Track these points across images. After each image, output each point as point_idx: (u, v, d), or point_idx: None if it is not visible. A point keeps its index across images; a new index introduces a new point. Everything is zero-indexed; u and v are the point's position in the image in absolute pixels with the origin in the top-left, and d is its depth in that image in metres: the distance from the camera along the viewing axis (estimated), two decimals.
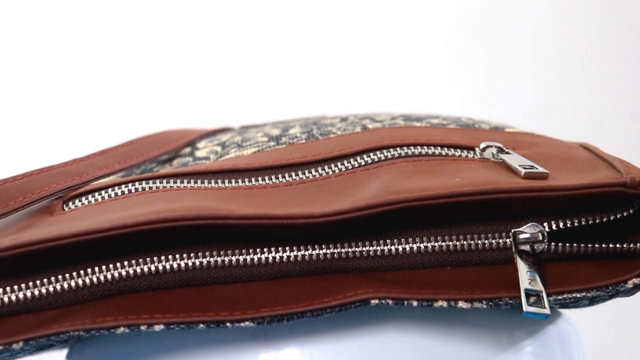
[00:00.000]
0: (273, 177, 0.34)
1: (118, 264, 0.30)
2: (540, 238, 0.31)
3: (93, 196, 0.34)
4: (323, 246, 0.31)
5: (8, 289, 0.30)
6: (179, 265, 0.31)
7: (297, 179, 0.34)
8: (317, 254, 0.31)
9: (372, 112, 0.43)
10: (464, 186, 0.30)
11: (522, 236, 0.31)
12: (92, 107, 0.73)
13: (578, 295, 0.31)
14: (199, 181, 0.34)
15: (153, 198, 0.32)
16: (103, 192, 0.34)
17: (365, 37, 0.76)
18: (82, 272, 0.30)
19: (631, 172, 0.31)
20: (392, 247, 0.31)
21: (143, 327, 0.29)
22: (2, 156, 0.71)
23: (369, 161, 0.35)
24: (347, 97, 0.75)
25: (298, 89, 0.75)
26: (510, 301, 0.30)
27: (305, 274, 0.31)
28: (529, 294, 0.30)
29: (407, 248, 0.31)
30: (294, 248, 0.31)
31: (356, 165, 0.35)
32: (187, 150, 0.41)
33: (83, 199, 0.34)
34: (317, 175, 0.34)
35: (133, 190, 0.33)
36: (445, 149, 0.35)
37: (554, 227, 0.31)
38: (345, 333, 0.31)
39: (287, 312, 0.29)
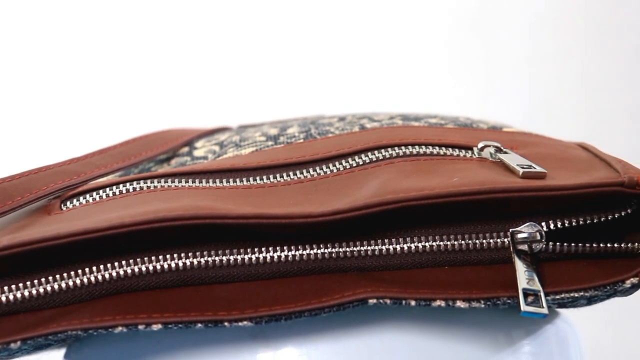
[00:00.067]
0: (271, 176, 0.34)
1: (116, 264, 0.30)
2: (538, 238, 0.31)
3: (91, 195, 0.34)
4: (321, 246, 0.31)
5: (6, 288, 0.30)
6: (177, 264, 0.31)
7: (295, 178, 0.34)
8: (315, 253, 0.31)
9: (370, 111, 0.43)
10: (462, 186, 0.30)
11: (520, 236, 0.31)
12: (90, 107, 0.73)
13: (576, 294, 0.31)
14: (197, 181, 0.34)
15: (151, 197, 0.32)
16: (101, 191, 0.34)
17: (363, 37, 0.76)
18: (80, 271, 0.30)
19: (629, 172, 0.31)
20: (390, 247, 0.31)
21: (141, 327, 0.29)
22: (0, 156, 0.71)
23: (367, 161, 0.35)
24: (346, 96, 0.75)
25: (296, 88, 0.75)
26: (508, 301, 0.30)
27: (303, 273, 0.31)
28: (526, 293, 0.30)
29: (405, 247, 0.31)
30: (292, 247, 0.31)
31: (354, 164, 0.35)
32: (185, 149, 0.41)
33: (81, 198, 0.34)
34: (315, 175, 0.34)
35: (131, 190, 0.33)
36: (444, 148, 0.35)
37: (552, 226, 0.31)
38: (343, 333, 0.31)
39: (285, 311, 0.29)
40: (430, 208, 0.30)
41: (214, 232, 0.31)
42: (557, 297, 0.31)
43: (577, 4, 0.77)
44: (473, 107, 0.73)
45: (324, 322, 0.31)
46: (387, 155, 0.35)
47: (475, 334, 0.32)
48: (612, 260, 0.32)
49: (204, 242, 0.31)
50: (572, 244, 0.31)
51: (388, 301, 0.30)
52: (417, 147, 0.35)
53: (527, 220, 0.31)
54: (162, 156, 0.41)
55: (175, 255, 0.31)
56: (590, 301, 0.33)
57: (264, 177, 0.34)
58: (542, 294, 0.30)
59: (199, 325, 0.29)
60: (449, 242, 0.31)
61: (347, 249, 0.31)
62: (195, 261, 0.31)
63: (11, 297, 0.30)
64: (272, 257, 0.31)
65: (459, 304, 0.30)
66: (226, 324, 0.29)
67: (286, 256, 0.31)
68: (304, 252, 0.31)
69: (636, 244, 0.32)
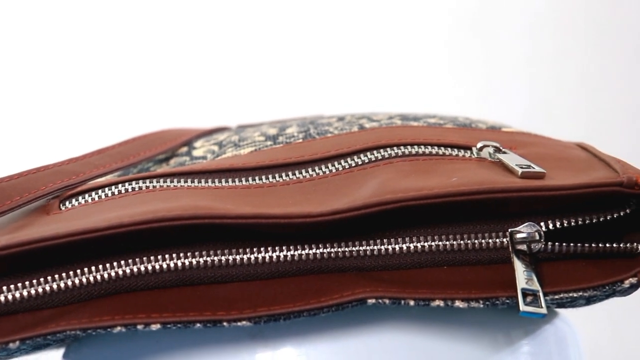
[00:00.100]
0: (270, 176, 0.34)
1: (115, 263, 0.30)
2: (537, 237, 0.31)
3: (90, 195, 0.34)
4: (320, 245, 0.31)
5: (4, 288, 0.30)
6: (175, 264, 0.31)
7: (294, 178, 0.34)
8: (314, 253, 0.31)
9: (369, 111, 0.43)
10: (461, 186, 0.30)
11: (519, 236, 0.31)
12: (88, 107, 0.73)
13: (575, 294, 0.31)
14: (195, 180, 0.34)
15: (150, 197, 0.32)
16: (100, 191, 0.34)
17: (362, 37, 0.76)
18: (78, 271, 0.30)
19: (628, 172, 0.31)
20: (389, 247, 0.31)
21: (140, 327, 0.29)
22: None
23: (366, 160, 0.35)
24: (345, 96, 0.75)
25: (295, 88, 0.75)
26: (507, 301, 0.30)
27: (302, 273, 0.31)
28: (525, 293, 0.30)
29: (404, 247, 0.31)
30: (291, 247, 0.31)
31: (353, 164, 0.35)
32: (184, 149, 0.41)
33: (80, 198, 0.34)
34: (314, 175, 0.34)
35: (130, 190, 0.33)
36: (442, 148, 0.35)
37: (550, 226, 0.31)
38: (342, 332, 0.31)
39: (284, 311, 0.29)
40: (429, 208, 0.30)
41: (213, 232, 0.31)
42: (556, 297, 0.31)
43: (577, 4, 0.77)
44: (472, 107, 0.73)
45: (323, 322, 0.31)
46: (386, 155, 0.35)
47: (474, 334, 0.32)
48: (611, 260, 0.32)
49: (202, 242, 0.31)
50: (571, 244, 0.31)
51: (387, 301, 0.30)
52: (416, 147, 0.35)
53: (526, 220, 0.31)
54: (161, 156, 0.41)
55: (174, 255, 0.31)
56: (589, 301, 0.33)
57: (263, 177, 0.34)
58: (541, 294, 0.30)
59: (198, 325, 0.29)
60: (447, 242, 0.31)
61: (346, 249, 0.31)
62: (194, 261, 0.31)
63: (10, 297, 0.30)
64: (270, 257, 0.31)
65: (458, 303, 0.30)
66: (225, 324, 0.29)
67: (285, 256, 0.31)
68: (303, 252, 0.31)
69: (635, 244, 0.32)
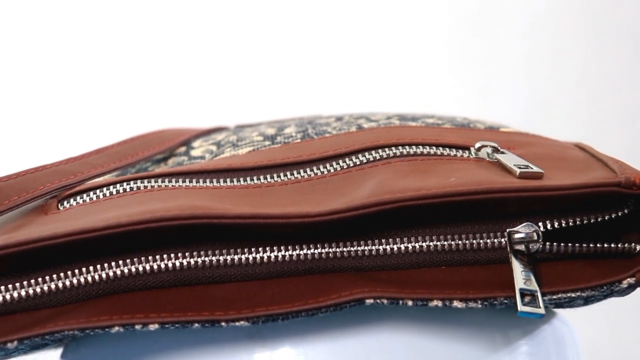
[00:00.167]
0: (268, 176, 0.34)
1: (113, 263, 0.30)
2: (535, 238, 0.31)
3: (88, 195, 0.34)
4: (318, 246, 0.31)
5: (2, 288, 0.30)
6: (173, 264, 0.31)
7: (292, 178, 0.34)
8: (312, 253, 0.31)
9: (368, 111, 0.43)
10: (459, 186, 0.30)
11: (517, 236, 0.31)
12: (87, 107, 0.73)
13: (573, 295, 0.31)
14: (194, 180, 0.34)
15: (148, 197, 0.32)
16: (98, 191, 0.34)
17: (360, 37, 0.76)
18: (76, 271, 0.30)
19: (626, 172, 0.31)
20: (387, 247, 0.31)
21: (138, 327, 0.29)
22: None
23: (364, 161, 0.35)
24: (343, 96, 0.75)
25: (294, 88, 0.75)
26: (505, 301, 0.30)
27: (300, 273, 0.31)
28: (523, 293, 0.30)
29: (402, 247, 0.31)
30: (289, 247, 0.31)
31: (351, 164, 0.35)
32: (182, 149, 0.41)
33: (78, 198, 0.34)
34: (313, 175, 0.34)
35: (128, 190, 0.33)
36: (441, 148, 0.35)
37: (548, 226, 0.31)
38: (340, 332, 0.31)
39: (282, 311, 0.29)
40: (427, 208, 0.30)
41: (211, 232, 0.31)
42: (554, 297, 0.31)
43: (576, 5, 0.77)
44: (470, 107, 0.74)
45: (321, 322, 0.31)
46: (384, 155, 0.35)
47: (473, 334, 0.32)
48: (609, 261, 0.32)
49: (201, 242, 0.31)
50: (569, 244, 0.31)
51: (385, 301, 0.30)
52: (414, 147, 0.35)
53: (524, 221, 0.31)
54: (159, 156, 0.41)
55: (172, 255, 0.31)
56: (587, 301, 0.33)
57: (261, 177, 0.34)
58: (539, 294, 0.30)
59: (196, 325, 0.29)
60: (446, 242, 0.31)
61: (344, 249, 0.31)
62: (192, 261, 0.31)
63: (8, 296, 0.30)
64: (269, 257, 0.31)
65: (456, 304, 0.30)
66: (223, 324, 0.29)
67: (283, 256, 0.31)
68: (301, 252, 0.31)
69: (633, 244, 0.32)
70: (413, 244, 0.31)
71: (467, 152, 0.35)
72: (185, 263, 0.31)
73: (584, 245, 0.31)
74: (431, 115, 0.41)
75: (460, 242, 0.31)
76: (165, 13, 0.74)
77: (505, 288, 0.30)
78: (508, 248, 0.31)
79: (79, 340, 0.33)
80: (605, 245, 0.32)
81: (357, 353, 0.31)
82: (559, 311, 0.35)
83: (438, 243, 0.31)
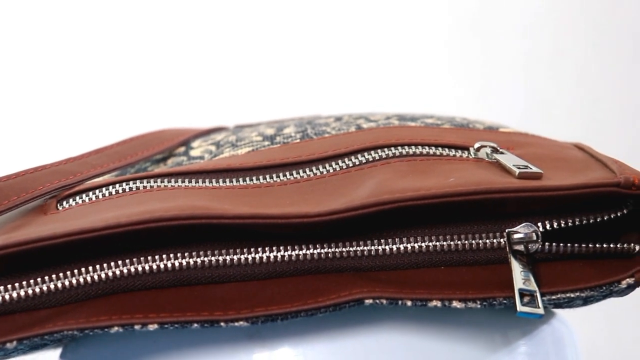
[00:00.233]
0: (267, 176, 0.34)
1: (112, 264, 0.30)
2: (534, 238, 0.31)
3: (87, 195, 0.34)
4: (317, 246, 0.31)
5: (2, 288, 0.30)
6: (173, 264, 0.31)
7: (292, 178, 0.34)
8: (311, 253, 0.31)
9: (367, 111, 0.43)
10: (458, 186, 0.30)
11: (516, 236, 0.31)
12: (86, 107, 0.73)
13: (572, 295, 0.31)
14: (193, 180, 0.34)
15: (147, 197, 0.32)
16: (97, 191, 0.34)
17: (360, 37, 0.76)
18: (76, 271, 0.30)
19: (625, 172, 0.31)
20: (387, 247, 0.31)
21: (137, 327, 0.29)
22: None
23: (364, 161, 0.35)
24: (342, 96, 0.75)
25: (293, 88, 0.75)
26: (504, 301, 0.30)
27: (299, 273, 0.31)
28: (523, 293, 0.30)
29: (402, 248, 0.31)
30: (288, 248, 0.31)
31: (350, 164, 0.35)
32: (182, 149, 0.41)
33: (77, 198, 0.34)
34: (312, 175, 0.34)
35: (127, 190, 0.33)
36: (440, 148, 0.35)
37: (548, 227, 0.31)
38: (339, 333, 0.31)
39: (281, 311, 0.29)
40: (426, 208, 0.30)
41: (210, 232, 0.31)
42: (553, 297, 0.31)
43: (573, 5, 0.77)
44: (469, 108, 0.74)
45: (321, 322, 0.31)
46: (384, 156, 0.35)
47: (472, 334, 0.32)
48: (608, 261, 0.32)
49: (200, 242, 0.31)
50: (568, 245, 0.31)
51: (384, 301, 0.30)
52: (413, 147, 0.35)
53: (523, 221, 0.31)
54: (158, 156, 0.41)
55: (171, 255, 0.31)
56: (586, 301, 0.33)
57: (261, 177, 0.34)
58: (538, 295, 0.30)
59: (195, 325, 0.29)
60: (445, 243, 0.31)
61: (344, 249, 0.31)
62: (191, 261, 0.31)
63: (7, 297, 0.30)
64: (268, 257, 0.31)
65: (455, 304, 0.30)
66: (222, 324, 0.29)
67: (282, 256, 0.31)
68: (300, 252, 0.31)
69: (632, 244, 0.32)
70: (412, 244, 0.31)
71: (466, 152, 0.35)
72: (184, 263, 0.31)
73: (583, 245, 0.31)
74: (430, 115, 0.41)
75: (459, 242, 0.31)
76: (164, 13, 0.74)
77: (505, 288, 0.30)
78: (507, 248, 0.31)
79: (78, 341, 0.33)
80: (605, 245, 0.32)
81: (356, 353, 0.31)
82: (558, 311, 0.35)
83: (437, 243, 0.31)
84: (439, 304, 0.30)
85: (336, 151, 0.35)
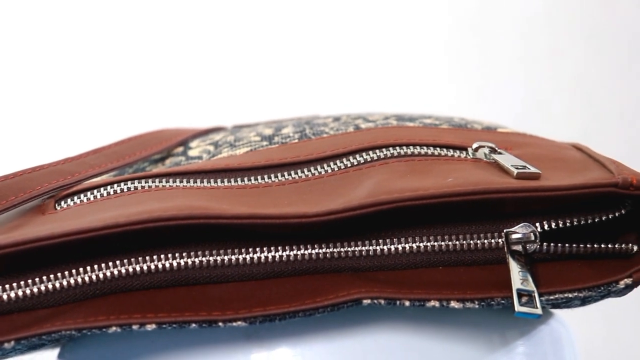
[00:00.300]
0: (265, 176, 0.34)
1: (110, 263, 0.30)
2: (533, 238, 0.31)
3: (85, 195, 0.34)
4: (315, 246, 0.31)
5: None
6: (171, 264, 0.30)
7: (290, 178, 0.34)
8: (309, 253, 0.31)
9: (365, 112, 0.43)
10: (456, 186, 0.30)
11: (514, 236, 0.31)
12: (84, 106, 0.73)
13: (570, 295, 0.31)
14: (191, 180, 0.34)
15: (145, 197, 0.32)
16: (95, 191, 0.34)
17: (358, 37, 0.76)
18: (74, 271, 0.30)
19: (623, 173, 0.31)
20: (385, 247, 0.31)
21: (135, 327, 0.29)
22: None
23: (362, 161, 0.35)
24: (341, 96, 0.75)
25: (291, 88, 0.75)
26: (503, 301, 0.30)
27: (297, 273, 0.31)
28: (521, 294, 0.30)
29: (400, 248, 0.31)
30: (287, 248, 0.31)
31: (349, 165, 0.35)
32: (180, 149, 0.41)
33: (75, 198, 0.34)
34: (310, 175, 0.34)
35: (125, 190, 0.33)
36: (438, 149, 0.35)
37: (546, 227, 0.31)
38: (337, 333, 0.31)
39: (279, 311, 0.29)
40: (424, 208, 0.30)
41: (208, 232, 0.31)
42: (551, 297, 0.31)
43: (572, 5, 0.77)
44: (468, 108, 0.74)
45: (319, 323, 0.31)
46: (382, 156, 0.35)
47: (470, 334, 0.32)
48: (606, 261, 0.32)
49: (198, 242, 0.31)
50: (566, 245, 0.31)
51: (382, 301, 0.30)
52: (411, 147, 0.35)
53: (522, 221, 0.31)
54: (156, 156, 0.41)
55: (169, 255, 0.31)
56: (584, 302, 0.33)
57: (259, 177, 0.34)
58: (536, 295, 0.30)
59: (193, 325, 0.29)
60: (443, 243, 0.31)
61: (342, 249, 0.31)
62: (189, 261, 0.31)
63: (5, 296, 0.30)
64: (266, 257, 0.31)
65: (453, 304, 0.30)
66: (220, 324, 0.29)
67: (280, 256, 0.31)
68: (299, 253, 0.31)
69: (630, 244, 0.32)
70: (410, 244, 0.31)
71: (464, 152, 0.35)
72: (182, 263, 0.31)
73: (581, 245, 0.31)
74: (429, 115, 0.41)
75: (457, 242, 0.31)
76: (162, 13, 0.74)
77: (503, 288, 0.30)
78: (505, 248, 0.31)
79: (76, 340, 0.33)
80: (603, 245, 0.32)
81: (354, 353, 0.31)
82: (556, 311, 0.35)
83: (435, 243, 0.31)
84: (437, 304, 0.30)
85: (334, 151, 0.35)
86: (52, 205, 0.34)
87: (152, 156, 0.41)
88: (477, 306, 0.30)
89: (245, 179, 0.34)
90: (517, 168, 0.32)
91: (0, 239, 0.29)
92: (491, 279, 0.31)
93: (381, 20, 0.76)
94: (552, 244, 0.31)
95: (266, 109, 0.68)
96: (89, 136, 0.64)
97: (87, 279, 0.30)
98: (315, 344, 0.31)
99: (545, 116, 0.77)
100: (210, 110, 0.73)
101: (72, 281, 0.30)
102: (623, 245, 0.32)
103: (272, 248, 0.31)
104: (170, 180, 0.34)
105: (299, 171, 0.35)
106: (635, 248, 0.32)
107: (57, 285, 0.30)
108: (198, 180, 0.34)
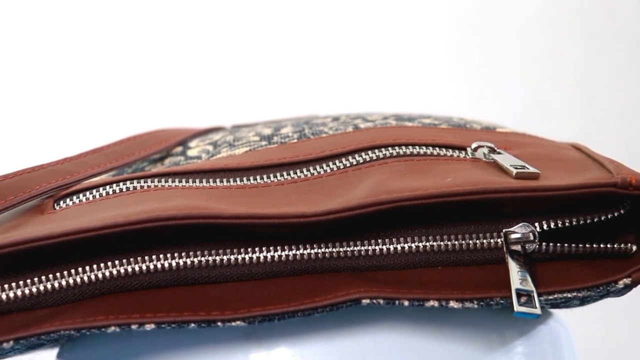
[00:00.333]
0: (265, 176, 0.34)
1: (109, 263, 0.30)
2: (532, 238, 0.31)
3: (84, 195, 0.34)
4: (314, 246, 0.31)
5: None
6: (170, 264, 0.30)
7: (289, 178, 0.34)
8: (308, 253, 0.31)
9: (364, 111, 0.43)
10: (455, 186, 0.30)
11: (513, 236, 0.31)
12: (83, 106, 0.73)
13: (569, 295, 0.31)
14: (190, 180, 0.34)
15: (144, 197, 0.32)
16: (94, 191, 0.34)
17: (358, 37, 0.76)
18: (73, 271, 0.30)
19: (622, 173, 0.31)
20: (384, 247, 0.31)
21: (134, 327, 0.29)
22: None
23: (361, 161, 0.35)
24: (340, 96, 0.75)
25: (290, 88, 0.75)
26: (502, 301, 0.30)
27: (296, 273, 0.31)
28: (520, 293, 0.30)
29: (399, 248, 0.31)
30: (286, 247, 0.31)
31: (348, 164, 0.35)
32: (179, 149, 0.41)
33: (74, 197, 0.34)
34: (309, 175, 0.34)
35: (124, 189, 0.33)
36: (437, 148, 0.35)
37: (545, 227, 0.31)
38: (336, 333, 0.31)
39: (278, 311, 0.29)
40: (423, 208, 0.30)
41: (207, 232, 0.30)
42: (550, 297, 0.31)
43: (573, 5, 0.77)
44: (467, 108, 0.74)
45: (318, 322, 0.31)
46: (381, 156, 0.35)
47: (469, 334, 0.32)
48: (605, 261, 0.32)
49: (197, 242, 0.31)
50: (565, 245, 0.31)
51: (381, 301, 0.30)
52: (410, 147, 0.35)
53: (521, 221, 0.31)
54: (155, 156, 0.41)
55: (168, 255, 0.31)
56: (583, 302, 0.33)
57: (258, 177, 0.34)
58: (535, 295, 0.30)
59: (192, 325, 0.29)
60: (442, 243, 0.31)
61: (341, 249, 0.31)
62: (188, 261, 0.31)
63: (4, 296, 0.30)
64: (265, 257, 0.31)
65: (452, 304, 0.30)
66: (219, 323, 0.29)
67: (279, 256, 0.31)
68: (298, 252, 0.31)
69: (629, 244, 0.32)
70: (409, 244, 0.31)
71: (463, 152, 0.35)
72: (181, 263, 0.31)
73: (580, 245, 0.31)
74: (428, 115, 0.41)
75: (456, 242, 0.31)
76: (162, 13, 0.74)
77: (502, 288, 0.30)
78: (504, 248, 0.31)
79: (75, 340, 0.33)
80: (602, 245, 0.32)
81: (353, 353, 0.31)
82: (555, 311, 0.35)
83: (434, 243, 0.31)
84: (436, 304, 0.30)
85: (333, 151, 0.35)
86: (51, 205, 0.34)
87: (151, 156, 0.41)
88: (476, 306, 0.30)
89: (244, 178, 0.34)
90: (516, 168, 0.32)
91: None
92: (490, 279, 0.31)
93: (381, 20, 0.76)
94: (551, 244, 0.31)
95: (265, 108, 0.68)
96: (88, 136, 0.64)
97: (86, 278, 0.30)
98: (314, 344, 0.31)
99: (545, 116, 0.77)
100: (209, 110, 0.73)
101: (71, 281, 0.30)
102: (622, 245, 0.32)
103: (271, 248, 0.31)
104: (169, 180, 0.34)
105: (298, 171, 0.35)
106: (634, 248, 0.32)
107: (56, 285, 0.30)
108: (197, 180, 0.34)
